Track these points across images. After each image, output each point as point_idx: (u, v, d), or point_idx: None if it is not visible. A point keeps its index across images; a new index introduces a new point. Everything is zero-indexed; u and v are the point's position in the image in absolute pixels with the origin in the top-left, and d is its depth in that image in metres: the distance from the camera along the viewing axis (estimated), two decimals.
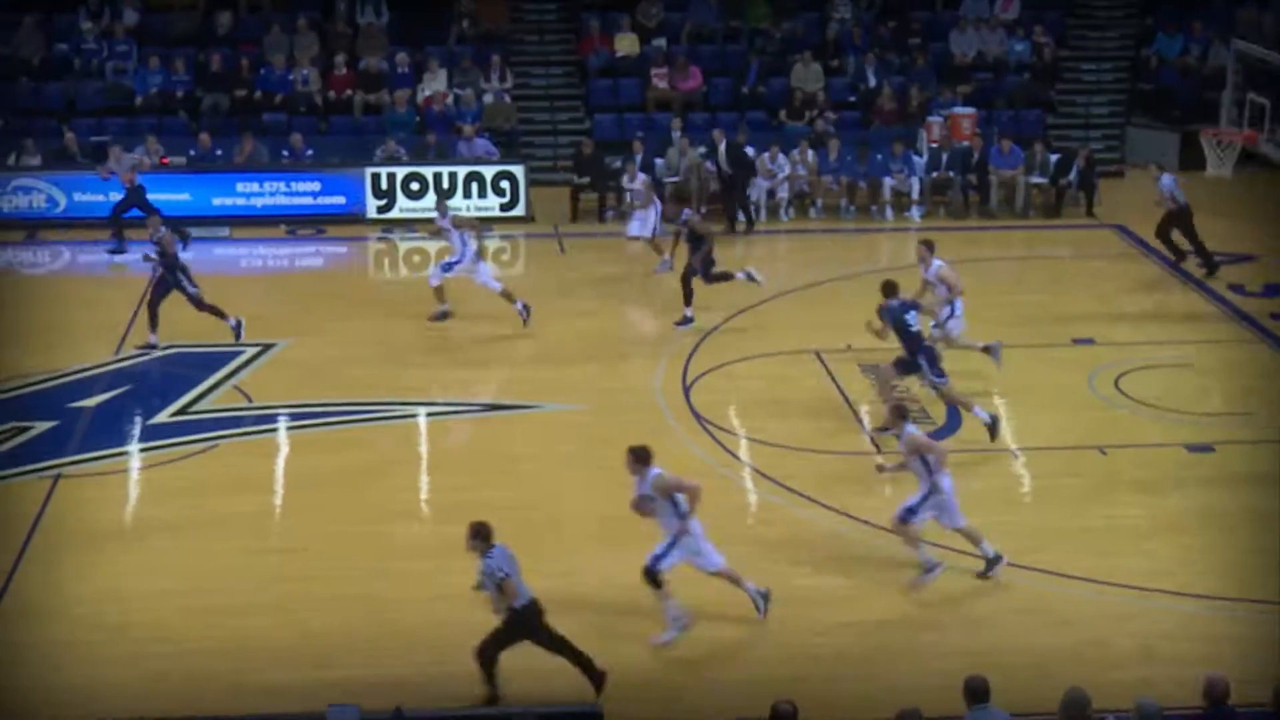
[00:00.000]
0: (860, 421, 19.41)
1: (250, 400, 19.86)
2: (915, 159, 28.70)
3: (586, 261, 25.97)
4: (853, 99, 31.07)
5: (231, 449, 18.58)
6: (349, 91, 29.77)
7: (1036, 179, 28.53)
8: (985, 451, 18.28)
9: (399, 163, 27.87)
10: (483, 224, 23.06)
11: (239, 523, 16.68)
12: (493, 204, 27.71)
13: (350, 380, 20.35)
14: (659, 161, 28.23)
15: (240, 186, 27.47)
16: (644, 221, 25.54)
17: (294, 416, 19.41)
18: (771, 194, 28.36)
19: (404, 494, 17.56)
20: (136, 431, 18.93)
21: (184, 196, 27.10)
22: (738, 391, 20.47)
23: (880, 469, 16.26)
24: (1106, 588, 15.23)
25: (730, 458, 18.41)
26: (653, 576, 14.15)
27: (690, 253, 22.32)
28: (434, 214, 22.88)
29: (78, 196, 26.95)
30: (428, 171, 27.67)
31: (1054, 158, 28.65)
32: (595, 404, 19.73)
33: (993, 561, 15.25)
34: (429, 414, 19.78)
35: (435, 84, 29.92)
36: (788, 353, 21.51)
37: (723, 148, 27.45)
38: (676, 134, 28.76)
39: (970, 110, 30.16)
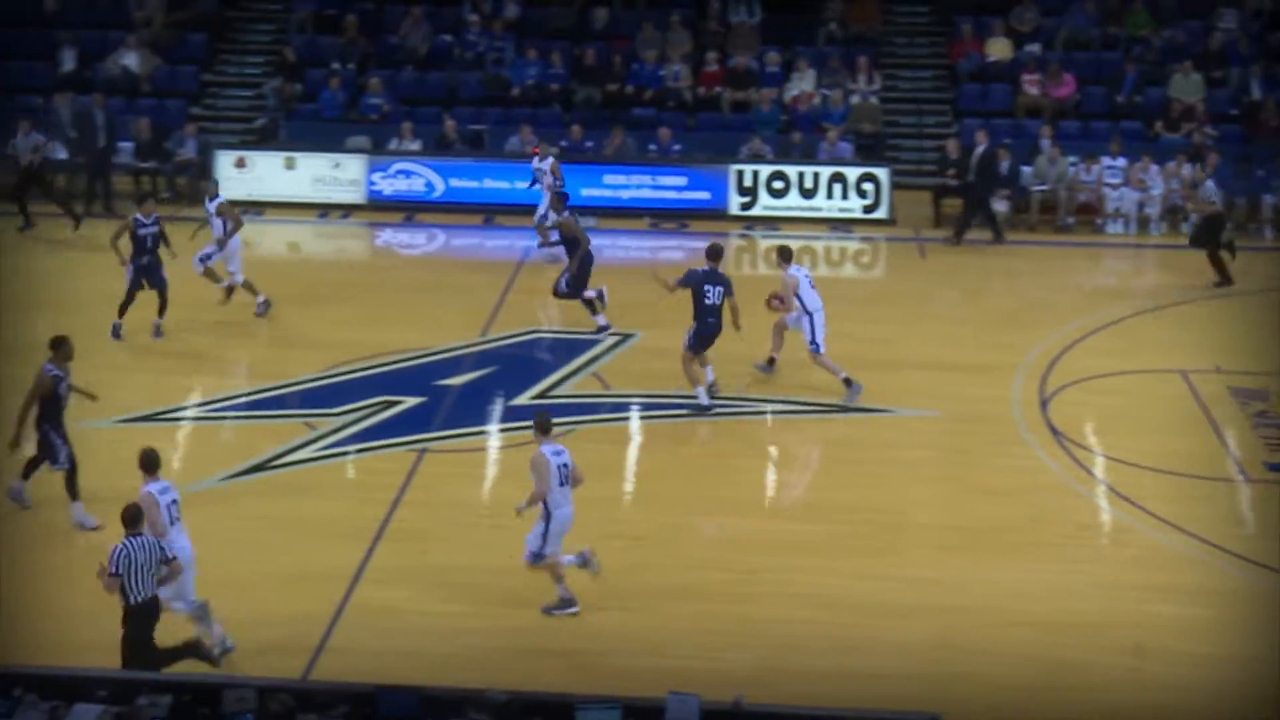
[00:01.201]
0: (1225, 445, 18.63)
1: (607, 387, 20.21)
2: None
3: (945, 267, 25.61)
4: (1234, 112, 29.86)
5: (587, 434, 18.87)
6: (718, 89, 30.04)
7: None
8: None
9: (763, 161, 28.01)
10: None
11: (589, 507, 16.88)
12: (855, 206, 27.61)
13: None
14: (1026, 169, 27.64)
15: (607, 178, 27.99)
16: None
17: (646, 406, 19.66)
18: (1141, 206, 27.51)
19: (750, 490, 17.63)
20: (498, 412, 19.46)
21: None
22: (1096, 408, 19.87)
23: None
24: None
25: (1085, 474, 17.90)
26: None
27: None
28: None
29: (454, 182, 27.86)
30: (791, 170, 27.73)
31: None
32: (948, 412, 19.44)
33: None
34: (778, 412, 19.76)
35: (803, 84, 29.97)
36: (1152, 371, 20.80)
37: (979, 152, 26.63)
38: (1045, 142, 28.11)
39: None
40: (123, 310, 21.16)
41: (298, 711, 11.30)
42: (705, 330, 19.19)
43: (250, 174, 27.90)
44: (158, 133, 28.01)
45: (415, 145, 28.17)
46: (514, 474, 17.91)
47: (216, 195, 22.13)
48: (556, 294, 22.05)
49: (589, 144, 28.59)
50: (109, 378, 20.15)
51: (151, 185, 27.63)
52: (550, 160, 25.71)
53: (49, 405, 16.20)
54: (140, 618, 12.98)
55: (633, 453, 18.68)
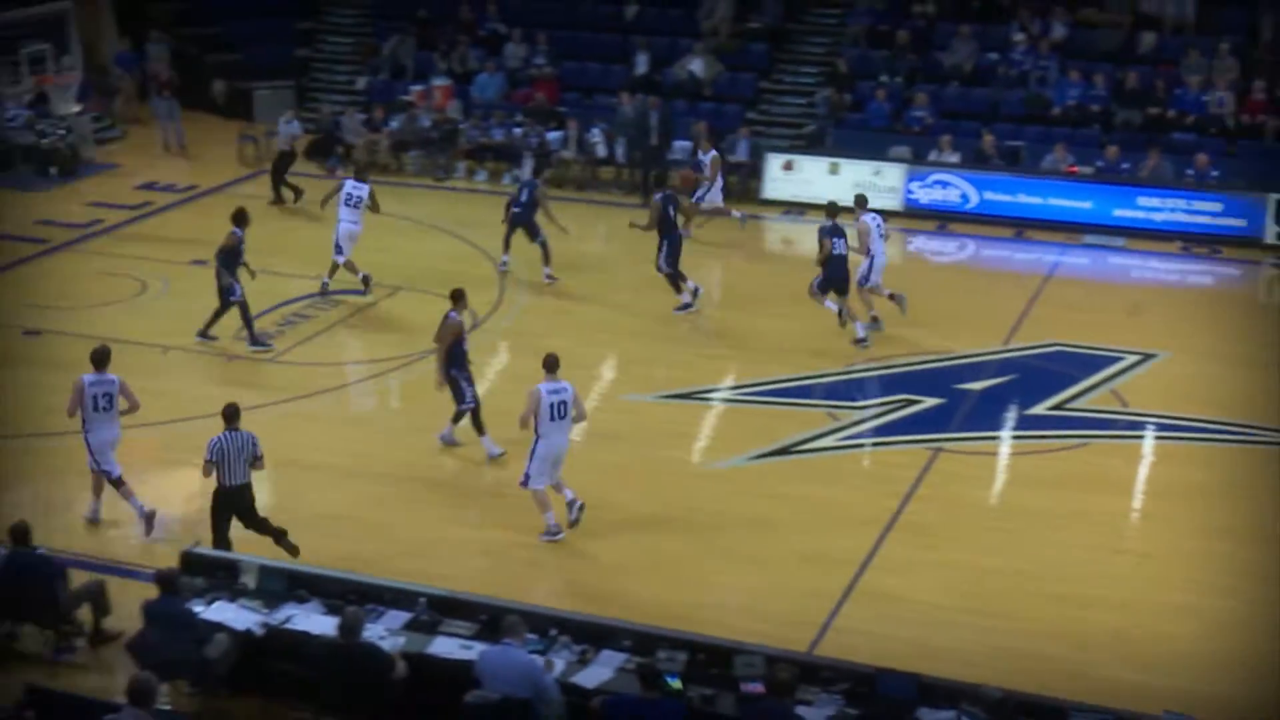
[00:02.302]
0: None
1: (1125, 405, 19.57)
2: None
3: None
4: None
5: (1099, 449, 18.38)
6: (1261, 117, 28.53)
7: None
8: None
9: None
10: None
11: (1096, 520, 16.52)
12: None
13: (1224, 400, 19.54)
14: None
15: (1141, 200, 26.99)
16: None
17: (1162, 427, 18.92)
18: None
19: (1254, 518, 16.67)
20: (1013, 419, 19.15)
21: (1085, 205, 27.05)
22: None
23: None
24: None
25: None
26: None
27: None
28: None
29: (988, 195, 27.53)
30: None
31: None
32: None
33: None
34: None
35: None
36: None
37: None
38: None
39: None
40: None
41: (801, 683, 11.49)
42: (834, 273, 21.17)
43: (797, 177, 28.35)
44: (713, 134, 28.85)
45: (954, 158, 27.99)
46: (1025, 480, 17.66)
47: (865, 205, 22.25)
48: (659, 271, 22.48)
49: (1125, 165, 27.66)
50: (652, 354, 21.06)
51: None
52: (713, 154, 26.08)
53: (454, 350, 17.39)
54: (223, 499, 14.62)
55: (1143, 471, 18.00)
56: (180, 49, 34.06)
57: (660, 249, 22.43)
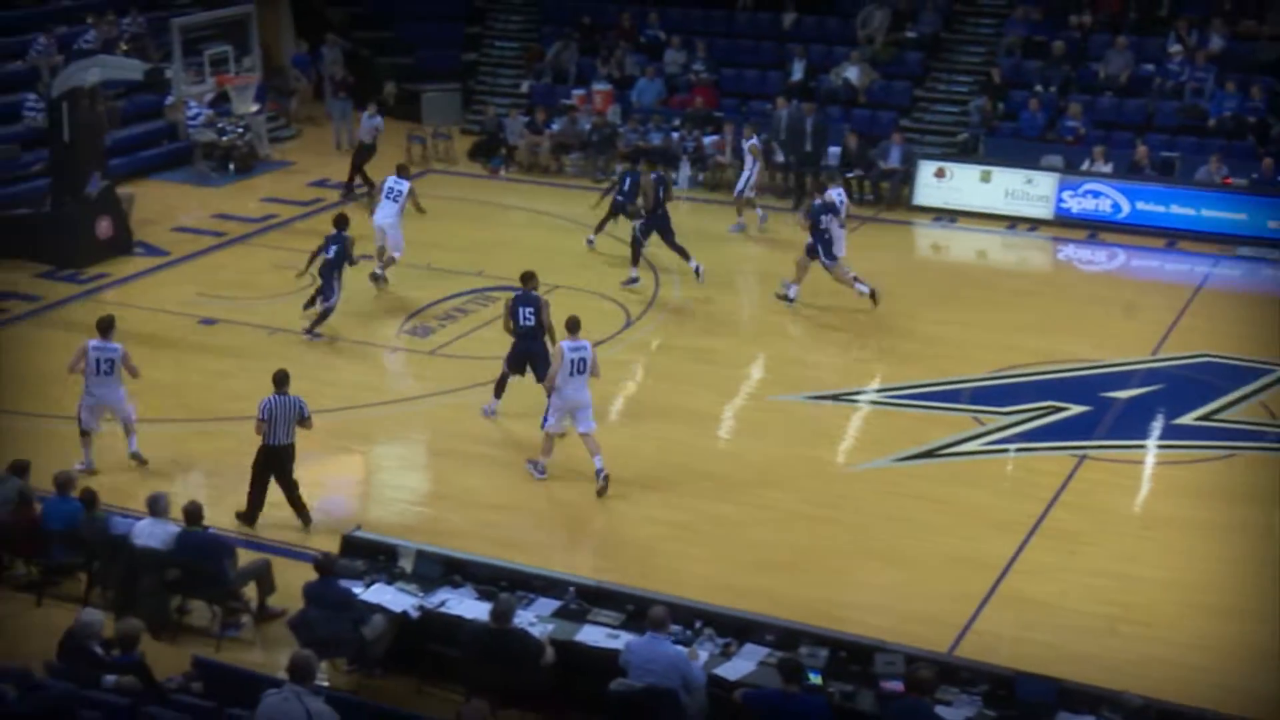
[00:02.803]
0: None
1: (1275, 417, 19.05)
2: None
3: None
4: None
5: (1247, 460, 17.91)
6: None
7: None
8: None
9: None
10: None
11: (1244, 531, 16.09)
12: None
13: None
14: None
15: None
16: None
17: None
18: None
19: None
20: (1160, 428, 18.74)
21: (1239, 216, 26.36)
22: None
23: None
24: None
25: None
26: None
27: None
28: None
29: (1140, 205, 26.96)
30: None
31: None
32: None
33: None
34: None
35: None
36: None
37: None
38: None
39: None
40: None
41: (941, 683, 11.36)
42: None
43: (948, 184, 28.03)
44: (865, 141, 28.63)
45: (1106, 168, 27.45)
46: (1171, 490, 17.30)
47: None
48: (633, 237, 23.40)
49: None
50: (801, 355, 20.98)
51: (858, 188, 28.26)
52: (754, 141, 26.61)
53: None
54: (267, 456, 15.43)
55: None
56: (354, 52, 34.64)
57: (642, 220, 23.42)
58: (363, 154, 28.24)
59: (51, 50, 29.23)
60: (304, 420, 15.48)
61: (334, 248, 20.69)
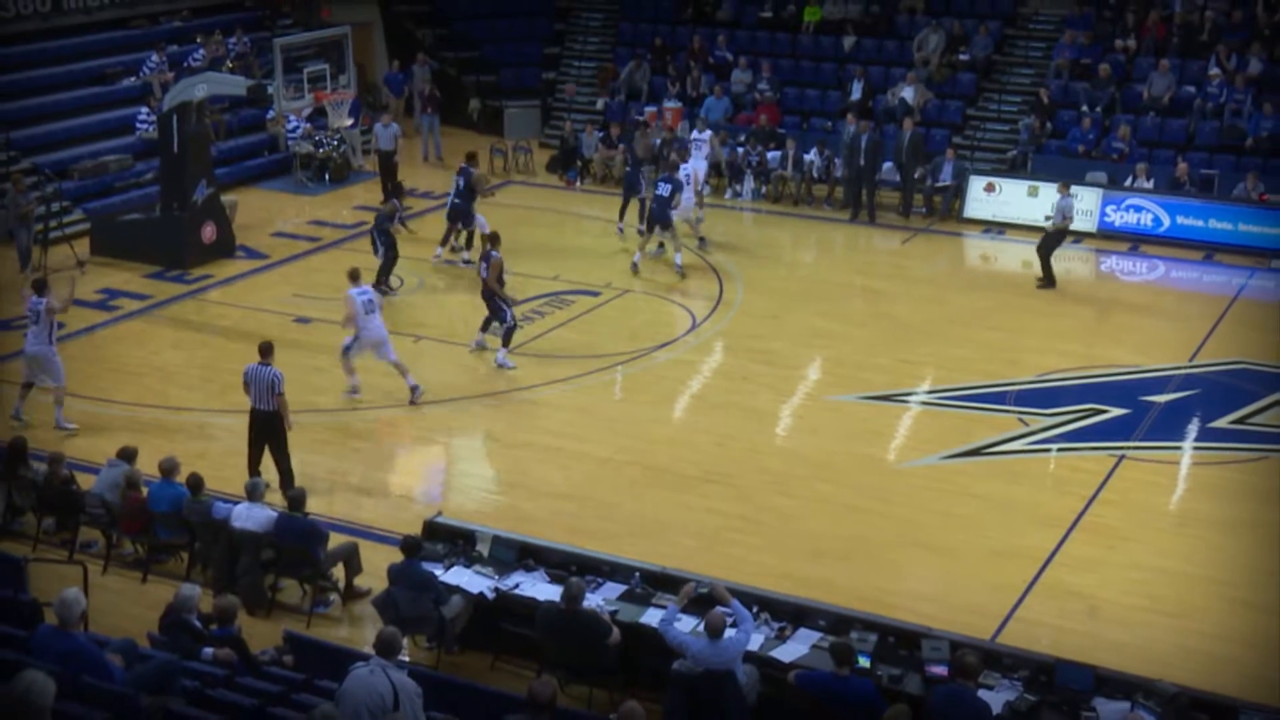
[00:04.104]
0: None
1: None
2: None
3: None
4: None
5: (1278, 463, 17.66)
6: None
7: None
8: None
9: None
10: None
11: (1275, 528, 15.87)
12: None
13: None
14: None
15: None
16: None
17: None
18: None
19: None
20: (1196, 431, 18.53)
21: (1275, 231, 25.94)
22: None
23: None
24: None
25: None
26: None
27: None
28: None
29: (1180, 219, 26.66)
30: None
31: None
32: None
33: None
34: None
35: None
36: None
37: None
38: None
39: None
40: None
41: (984, 668, 11.29)
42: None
43: (997, 198, 27.82)
44: (920, 158, 28.45)
45: (1148, 184, 27.15)
46: (1207, 489, 17.08)
47: None
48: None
49: None
50: (857, 358, 20.88)
51: (910, 202, 28.10)
52: (710, 134, 28.50)
53: (500, 281, 19.86)
54: (255, 418, 15.83)
55: None
56: (441, 70, 34.87)
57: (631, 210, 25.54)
58: (388, 160, 28.38)
59: (163, 67, 29.69)
60: (277, 395, 15.69)
61: (460, 180, 23.80)
